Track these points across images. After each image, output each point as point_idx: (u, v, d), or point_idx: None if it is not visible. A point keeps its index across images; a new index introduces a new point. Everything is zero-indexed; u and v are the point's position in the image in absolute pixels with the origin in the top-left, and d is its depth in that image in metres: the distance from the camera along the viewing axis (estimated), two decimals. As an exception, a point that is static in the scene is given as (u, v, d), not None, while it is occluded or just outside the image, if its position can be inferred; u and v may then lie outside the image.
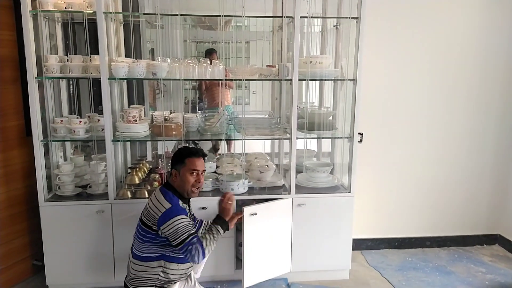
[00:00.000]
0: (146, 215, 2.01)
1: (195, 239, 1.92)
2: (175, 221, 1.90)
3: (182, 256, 1.98)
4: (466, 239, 3.39)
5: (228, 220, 2.16)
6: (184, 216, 1.94)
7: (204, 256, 1.93)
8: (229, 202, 2.18)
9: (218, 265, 2.67)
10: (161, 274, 2.03)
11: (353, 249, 2.84)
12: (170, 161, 2.14)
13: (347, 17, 2.61)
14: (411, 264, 3.10)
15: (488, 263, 3.13)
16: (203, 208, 2.57)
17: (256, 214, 2.47)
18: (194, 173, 2.05)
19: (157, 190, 2.07)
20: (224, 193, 2.24)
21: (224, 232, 2.08)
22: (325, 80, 2.85)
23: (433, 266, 3.07)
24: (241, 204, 2.53)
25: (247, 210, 2.45)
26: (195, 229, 2.03)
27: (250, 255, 2.51)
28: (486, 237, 3.42)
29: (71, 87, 2.86)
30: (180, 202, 2.01)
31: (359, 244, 3.25)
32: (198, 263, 1.99)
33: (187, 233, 1.91)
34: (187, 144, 2.58)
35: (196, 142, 3.40)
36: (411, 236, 3.33)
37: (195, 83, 3.56)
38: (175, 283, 2.06)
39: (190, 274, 2.21)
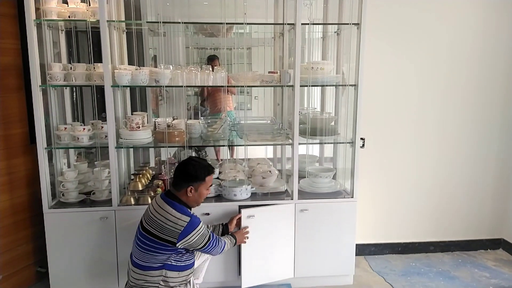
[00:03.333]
0: (157, 228, 1.98)
1: (214, 237, 2.12)
2: (198, 230, 2.01)
3: (189, 263, 2.11)
4: (469, 243, 3.38)
5: (228, 223, 2.43)
6: (202, 223, 2.06)
7: (222, 250, 2.17)
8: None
9: (221, 270, 2.67)
10: (161, 282, 2.03)
11: (356, 255, 2.84)
12: (180, 175, 2.07)
13: (348, 23, 2.63)
14: (415, 269, 3.08)
15: (492, 268, 3.12)
16: (206, 214, 2.58)
17: (253, 216, 2.52)
18: (209, 188, 2.16)
19: (164, 204, 2.02)
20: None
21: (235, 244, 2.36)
22: (326, 85, 2.86)
23: (437, 271, 3.06)
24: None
25: (245, 212, 2.51)
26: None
27: (249, 257, 2.56)
28: (490, 241, 3.41)
29: (75, 94, 2.89)
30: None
31: (363, 250, 3.24)
32: (218, 254, 2.19)
33: (209, 234, 2.08)
34: (191, 152, 2.61)
35: (197, 149, 3.42)
36: (414, 241, 3.32)
37: (197, 89, 3.59)
38: None
39: (190, 279, 2.21)
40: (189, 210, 2.07)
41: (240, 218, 2.51)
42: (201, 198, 2.11)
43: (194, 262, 2.18)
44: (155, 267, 2.01)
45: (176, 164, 3.06)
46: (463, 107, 3.20)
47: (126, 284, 2.15)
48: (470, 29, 3.10)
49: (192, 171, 2.05)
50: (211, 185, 2.18)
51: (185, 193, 2.05)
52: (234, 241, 2.34)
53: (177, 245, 1.98)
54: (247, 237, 2.48)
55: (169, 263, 2.03)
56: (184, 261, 2.08)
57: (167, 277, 2.03)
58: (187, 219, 1.97)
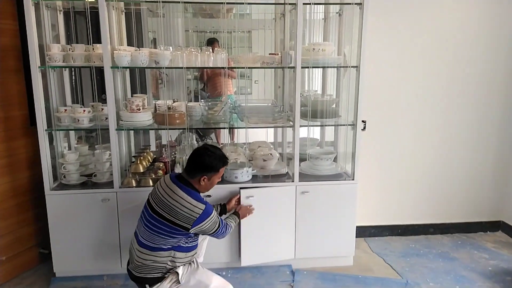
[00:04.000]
0: (172, 214, 1.98)
1: (224, 222, 2.17)
2: (211, 218, 2.05)
3: (195, 244, 2.16)
4: (469, 225, 3.40)
5: (226, 203, 2.49)
6: (214, 210, 2.10)
7: (228, 233, 2.23)
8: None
9: (223, 251, 2.70)
10: (169, 263, 2.06)
11: (356, 236, 2.86)
12: (195, 164, 2.07)
13: (350, 3, 2.59)
14: (414, 251, 3.11)
15: (491, 249, 3.15)
16: (208, 196, 2.58)
17: (253, 196, 2.55)
18: (220, 177, 2.21)
19: (178, 190, 2.01)
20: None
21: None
22: (328, 67, 2.84)
23: (436, 252, 3.09)
24: (245, 192, 2.56)
25: (244, 192, 2.55)
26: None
27: (249, 236, 2.61)
28: (489, 223, 3.43)
29: (74, 76, 2.87)
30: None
31: (363, 231, 3.27)
32: (224, 237, 2.24)
33: (219, 220, 2.13)
34: (192, 135, 2.61)
35: (201, 134, 3.41)
36: (414, 223, 3.34)
37: (197, 73, 3.56)
38: (179, 267, 2.09)
39: (194, 259, 2.24)
40: (201, 195, 2.11)
41: (239, 199, 2.54)
42: (212, 186, 2.16)
43: (198, 242, 2.22)
44: (164, 248, 2.04)
45: (177, 147, 3.08)
46: (465, 91, 3.18)
47: (129, 263, 2.17)
48: (477, 8, 3.06)
49: (207, 162, 2.06)
50: (222, 175, 2.23)
51: (197, 181, 2.07)
52: (238, 219, 2.39)
53: (190, 230, 2.01)
54: (252, 213, 2.53)
55: (179, 245, 2.06)
56: (191, 242, 2.12)
57: (175, 257, 2.06)
58: (203, 206, 2.00)
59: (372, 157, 3.14)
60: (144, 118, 2.62)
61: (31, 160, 2.68)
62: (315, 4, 2.59)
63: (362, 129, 2.71)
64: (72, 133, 2.88)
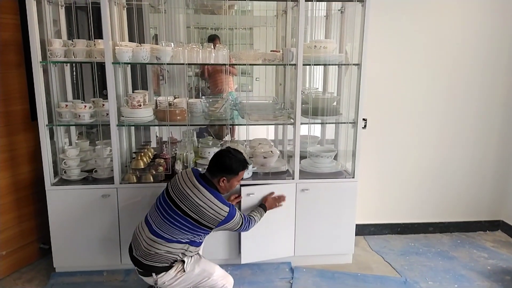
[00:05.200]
0: (199, 214, 2.03)
1: (247, 218, 2.26)
2: (235, 219, 2.14)
3: (202, 241, 2.21)
4: (468, 225, 3.41)
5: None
6: (237, 211, 2.17)
7: (252, 226, 2.31)
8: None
9: (223, 248, 2.70)
10: (180, 254, 2.10)
11: (356, 234, 2.86)
12: (216, 165, 2.13)
13: (352, 1, 2.59)
14: (414, 249, 3.12)
15: (490, 249, 3.15)
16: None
17: (253, 193, 2.57)
18: (240, 180, 2.26)
19: (203, 190, 2.06)
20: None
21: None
22: (329, 65, 2.84)
23: (436, 251, 3.10)
24: (246, 189, 2.56)
25: (244, 189, 2.56)
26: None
27: (248, 233, 2.56)
28: (488, 223, 3.44)
29: (75, 72, 2.86)
30: None
31: (362, 229, 3.27)
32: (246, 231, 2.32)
33: (242, 219, 2.21)
34: (192, 132, 2.61)
35: (208, 130, 3.39)
36: (413, 221, 3.35)
37: (198, 70, 3.56)
38: (186, 257, 2.14)
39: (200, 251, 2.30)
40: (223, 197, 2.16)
41: (240, 201, 2.56)
42: (231, 188, 2.21)
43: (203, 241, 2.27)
44: (182, 241, 2.08)
45: (177, 143, 3.08)
46: (466, 90, 3.18)
47: (132, 250, 2.16)
48: (479, 6, 3.05)
49: (228, 164, 2.12)
50: (242, 178, 2.27)
51: (217, 182, 2.13)
52: (264, 212, 2.44)
53: (213, 230, 2.11)
54: (281, 204, 2.57)
55: (195, 240, 2.11)
56: (204, 237, 2.18)
57: (187, 250, 2.11)
58: (227, 209, 2.08)
59: (373, 155, 3.14)
60: (145, 114, 2.62)
61: (32, 155, 2.68)
62: (317, 1, 2.58)
63: (363, 127, 2.71)
64: (73, 128, 2.88)
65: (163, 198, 2.15)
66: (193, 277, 2.12)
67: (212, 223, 2.06)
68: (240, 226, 2.19)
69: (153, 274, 2.08)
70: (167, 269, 2.08)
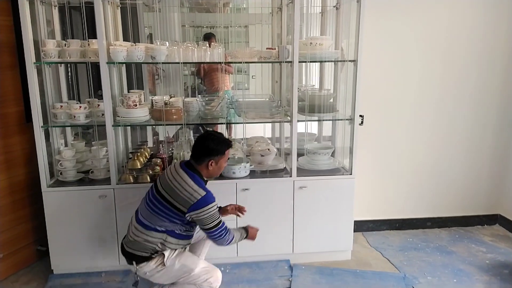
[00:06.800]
0: (172, 195, 2.02)
1: (225, 225, 2.10)
2: (210, 208, 2.02)
3: (190, 234, 2.16)
4: (466, 219, 3.42)
5: (222, 213, 2.31)
6: (216, 203, 2.06)
7: (229, 243, 2.12)
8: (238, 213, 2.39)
9: (220, 247, 2.67)
10: (159, 245, 2.09)
11: (354, 231, 2.86)
12: (200, 149, 2.09)
13: (347, -3, 2.58)
14: (412, 245, 3.12)
15: (488, 243, 3.16)
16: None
17: (248, 189, 2.57)
18: (227, 160, 2.22)
19: (182, 173, 2.05)
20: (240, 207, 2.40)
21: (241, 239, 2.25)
22: (325, 61, 2.83)
23: (434, 246, 3.10)
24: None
25: (240, 184, 2.57)
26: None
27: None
28: (486, 217, 3.45)
29: (70, 72, 2.84)
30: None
31: (360, 226, 3.27)
32: (223, 245, 2.14)
33: (219, 219, 2.07)
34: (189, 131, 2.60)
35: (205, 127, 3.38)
36: (411, 217, 3.35)
37: (194, 69, 3.54)
38: (167, 250, 2.11)
39: (185, 248, 2.24)
40: (205, 186, 2.11)
41: (237, 207, 2.43)
42: (220, 170, 2.18)
43: (193, 235, 2.23)
44: (158, 230, 2.07)
45: (174, 143, 3.07)
46: (462, 85, 3.18)
47: (124, 237, 2.20)
48: (474, 3, 3.05)
49: (213, 146, 2.10)
50: (228, 158, 2.25)
51: (205, 167, 2.10)
52: (245, 234, 2.23)
53: (186, 215, 2.02)
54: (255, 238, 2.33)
55: (172, 230, 2.08)
56: (185, 231, 2.13)
57: (166, 241, 2.09)
58: (203, 193, 2.01)
59: (370, 151, 3.13)
60: (141, 114, 2.61)
61: (28, 157, 2.67)
62: (312, -3, 2.58)
63: (360, 124, 2.71)
64: (68, 129, 2.86)
65: (150, 188, 2.18)
66: (174, 271, 2.11)
67: (184, 205, 1.99)
68: (216, 226, 2.03)
69: (134, 263, 2.09)
70: (147, 259, 2.08)
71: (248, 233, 2.24)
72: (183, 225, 2.09)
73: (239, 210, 2.38)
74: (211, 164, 2.10)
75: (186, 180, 2.03)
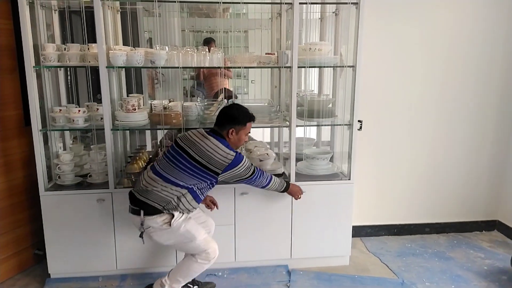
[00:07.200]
0: (206, 159, 2.11)
1: (259, 169, 2.29)
2: (243, 164, 2.19)
3: (202, 197, 2.26)
4: (465, 225, 3.42)
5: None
6: (246, 159, 2.22)
7: (268, 184, 2.33)
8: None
9: (218, 252, 2.68)
10: (175, 199, 2.13)
11: (352, 236, 2.86)
12: (224, 116, 2.22)
13: (346, 3, 2.59)
14: (410, 250, 3.12)
15: (486, 249, 3.16)
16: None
17: (247, 193, 2.60)
18: (248, 135, 2.33)
19: (212, 139, 2.15)
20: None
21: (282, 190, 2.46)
22: (324, 67, 2.84)
23: (432, 252, 3.10)
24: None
25: (238, 189, 2.58)
26: None
27: (244, 236, 2.65)
28: (485, 223, 3.45)
29: (69, 76, 2.85)
30: None
31: (359, 231, 3.27)
32: (262, 187, 2.34)
33: (252, 167, 2.25)
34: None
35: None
36: (410, 222, 3.35)
37: (193, 73, 3.55)
38: (176, 212, 2.16)
39: (192, 212, 2.28)
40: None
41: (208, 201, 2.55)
42: (240, 142, 2.28)
43: (202, 200, 2.29)
44: (180, 185, 2.13)
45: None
46: (461, 91, 3.19)
47: (134, 187, 2.23)
48: (473, 6, 3.06)
49: (235, 114, 2.22)
50: (249, 132, 2.33)
51: (226, 135, 2.21)
52: (285, 185, 2.44)
53: (219, 175, 2.15)
54: (300, 197, 2.55)
55: (193, 188, 2.16)
56: (201, 193, 2.22)
57: (183, 196, 2.15)
58: (233, 153, 2.15)
59: (368, 156, 3.14)
60: (140, 118, 2.61)
61: (26, 160, 2.66)
62: (312, 3, 2.59)
63: (359, 129, 2.72)
64: (67, 133, 2.86)
65: (172, 147, 2.22)
66: (177, 235, 2.16)
67: (219, 167, 2.12)
68: (252, 174, 2.21)
69: (141, 212, 2.11)
70: (156, 212, 2.11)
71: (290, 186, 2.46)
72: (208, 184, 2.20)
73: (212, 203, 2.51)
74: (231, 133, 2.20)
75: (217, 145, 2.14)
